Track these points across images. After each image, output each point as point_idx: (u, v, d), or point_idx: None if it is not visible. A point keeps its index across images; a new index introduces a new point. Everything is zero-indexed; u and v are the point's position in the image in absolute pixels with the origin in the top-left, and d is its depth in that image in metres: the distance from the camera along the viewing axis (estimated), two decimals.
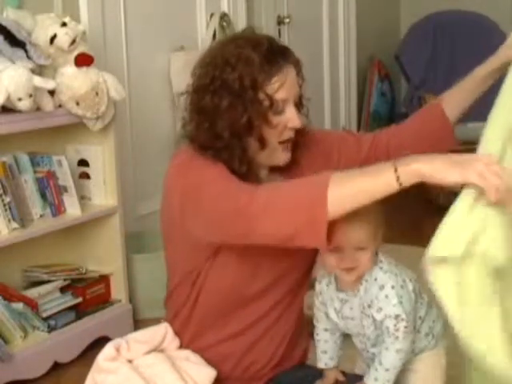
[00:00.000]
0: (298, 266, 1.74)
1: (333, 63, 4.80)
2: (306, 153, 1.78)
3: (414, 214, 4.51)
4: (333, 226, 1.41)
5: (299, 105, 1.71)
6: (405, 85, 5.23)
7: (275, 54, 1.63)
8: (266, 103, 1.61)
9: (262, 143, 1.64)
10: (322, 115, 4.79)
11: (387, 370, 1.56)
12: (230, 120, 1.60)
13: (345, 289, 1.63)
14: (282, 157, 1.69)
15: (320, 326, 1.71)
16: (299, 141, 1.73)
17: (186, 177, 1.61)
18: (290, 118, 1.65)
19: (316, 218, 1.39)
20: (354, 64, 4.99)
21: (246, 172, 1.63)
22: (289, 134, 1.67)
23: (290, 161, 1.71)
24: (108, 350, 1.70)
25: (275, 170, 1.73)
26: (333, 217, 1.39)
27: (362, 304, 1.60)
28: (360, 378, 1.64)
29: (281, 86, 1.62)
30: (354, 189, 1.40)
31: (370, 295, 1.58)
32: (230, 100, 1.60)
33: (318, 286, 1.69)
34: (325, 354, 1.71)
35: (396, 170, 1.35)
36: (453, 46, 4.84)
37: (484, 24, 4.87)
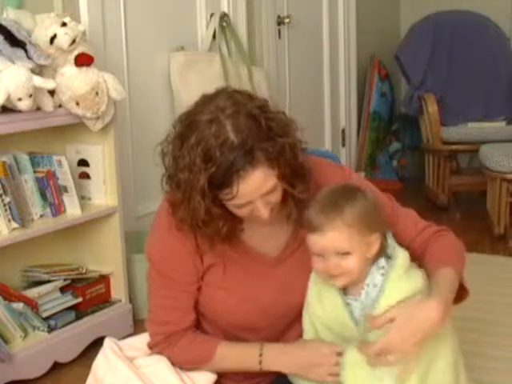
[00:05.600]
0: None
1: (333, 63, 4.80)
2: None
3: None
4: None
5: (282, 185, 1.53)
6: (405, 85, 5.23)
7: (241, 158, 1.45)
8: (216, 210, 1.52)
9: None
10: (322, 115, 4.79)
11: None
12: (187, 209, 1.54)
13: (350, 293, 1.61)
14: (260, 218, 1.56)
15: None
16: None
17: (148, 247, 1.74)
18: (254, 210, 1.53)
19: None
20: (354, 64, 4.99)
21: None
22: (261, 216, 1.54)
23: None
24: (106, 350, 1.71)
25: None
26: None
27: (362, 309, 1.59)
28: None
29: (233, 197, 1.49)
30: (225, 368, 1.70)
31: (371, 300, 1.57)
32: (181, 195, 1.54)
33: None
34: None
35: (260, 363, 1.63)
36: (452, 46, 4.82)
37: (484, 24, 4.85)
